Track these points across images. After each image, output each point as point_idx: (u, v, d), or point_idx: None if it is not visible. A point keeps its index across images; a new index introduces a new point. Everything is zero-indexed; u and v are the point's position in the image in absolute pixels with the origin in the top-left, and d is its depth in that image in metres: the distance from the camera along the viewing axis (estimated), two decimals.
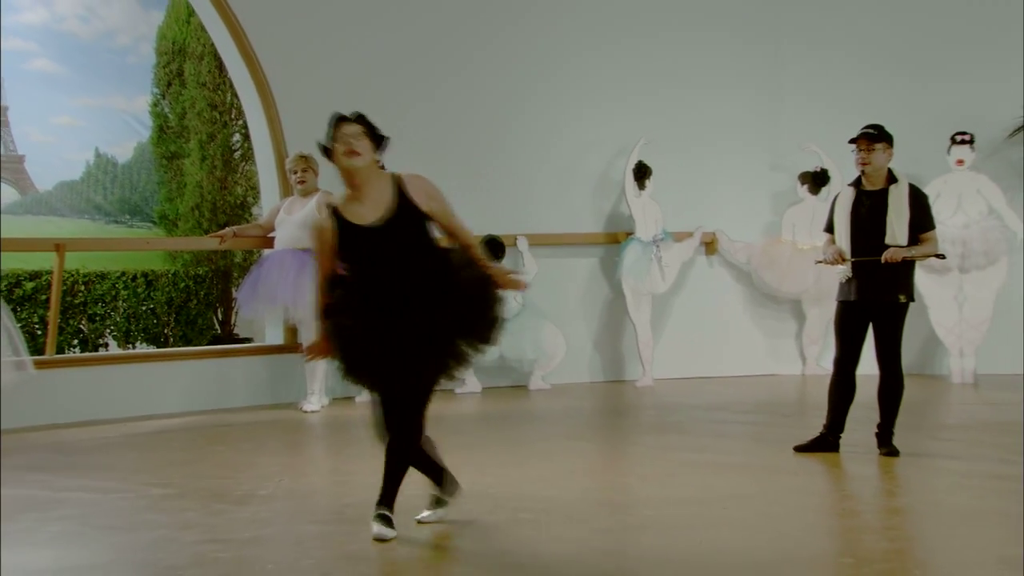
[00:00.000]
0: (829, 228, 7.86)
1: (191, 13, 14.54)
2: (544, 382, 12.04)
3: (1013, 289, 11.94)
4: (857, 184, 7.74)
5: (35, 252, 12.65)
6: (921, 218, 7.57)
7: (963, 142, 11.78)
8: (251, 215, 15.11)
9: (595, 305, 12.66)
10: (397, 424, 5.67)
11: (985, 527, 5.77)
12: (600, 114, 12.49)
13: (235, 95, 12.96)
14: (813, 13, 12.87)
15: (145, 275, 14.54)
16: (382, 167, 5.81)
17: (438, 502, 5.95)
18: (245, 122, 13.37)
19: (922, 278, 10.64)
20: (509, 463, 7.81)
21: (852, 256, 7.57)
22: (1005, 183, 12.00)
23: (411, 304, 5.45)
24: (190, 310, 15.02)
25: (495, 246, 11.90)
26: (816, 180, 12.49)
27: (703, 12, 12.78)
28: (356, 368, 5.61)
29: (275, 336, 11.39)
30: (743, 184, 12.85)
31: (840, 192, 7.89)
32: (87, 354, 13.15)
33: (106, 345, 14.11)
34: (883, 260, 7.43)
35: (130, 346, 14.18)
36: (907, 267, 7.56)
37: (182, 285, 14.83)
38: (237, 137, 15.63)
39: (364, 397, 11.23)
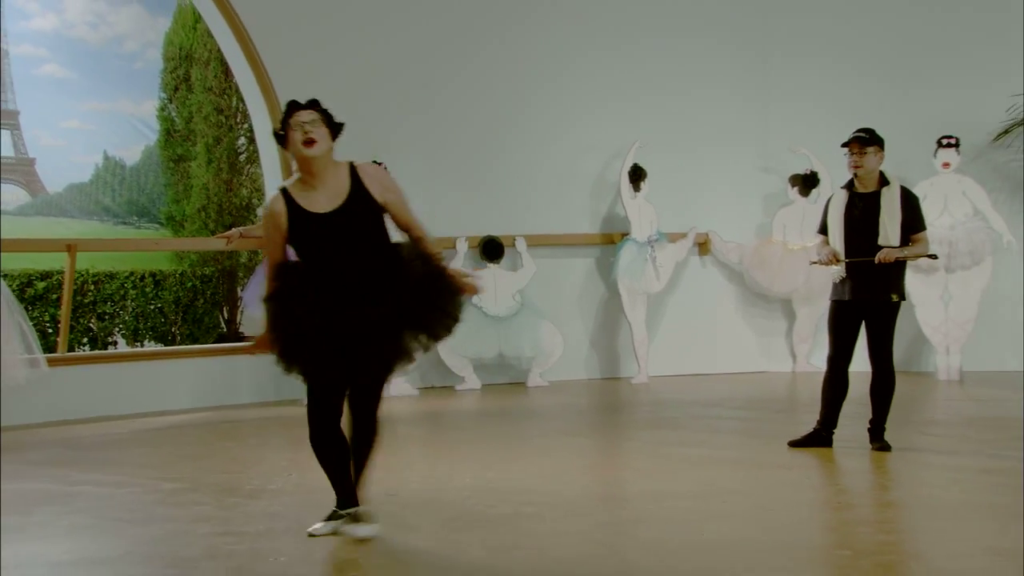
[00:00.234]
0: (823, 230, 7.83)
1: (197, 19, 14.55)
2: (542, 379, 12.03)
3: (997, 288, 11.94)
4: (850, 187, 7.72)
5: (47, 252, 12.66)
6: (912, 219, 7.57)
7: (949, 146, 11.78)
8: (256, 216, 15.09)
9: (592, 304, 12.66)
10: (360, 415, 5.54)
11: (976, 520, 5.77)
12: (596, 118, 12.48)
13: (240, 99, 12.95)
14: (802, 20, 12.86)
15: (153, 275, 14.54)
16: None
17: (335, 515, 5.51)
18: (250, 125, 13.37)
19: (909, 278, 10.51)
20: (510, 458, 7.80)
21: (846, 257, 7.55)
22: (990, 185, 12.03)
23: (364, 293, 5.24)
24: (197, 309, 15.02)
25: (494, 247, 11.92)
26: (806, 182, 12.49)
27: (696, 20, 12.78)
28: (303, 357, 5.29)
29: None
30: (735, 186, 12.85)
31: (833, 194, 7.87)
32: (97, 352, 13.12)
33: (115, 343, 14.10)
34: (876, 261, 7.42)
35: (138, 344, 14.17)
36: (899, 267, 7.56)
37: (189, 285, 14.82)
38: (242, 140, 15.65)
39: None
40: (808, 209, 12.43)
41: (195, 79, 15.66)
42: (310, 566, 5.05)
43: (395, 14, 11.89)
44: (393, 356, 5.38)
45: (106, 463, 7.94)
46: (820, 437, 7.77)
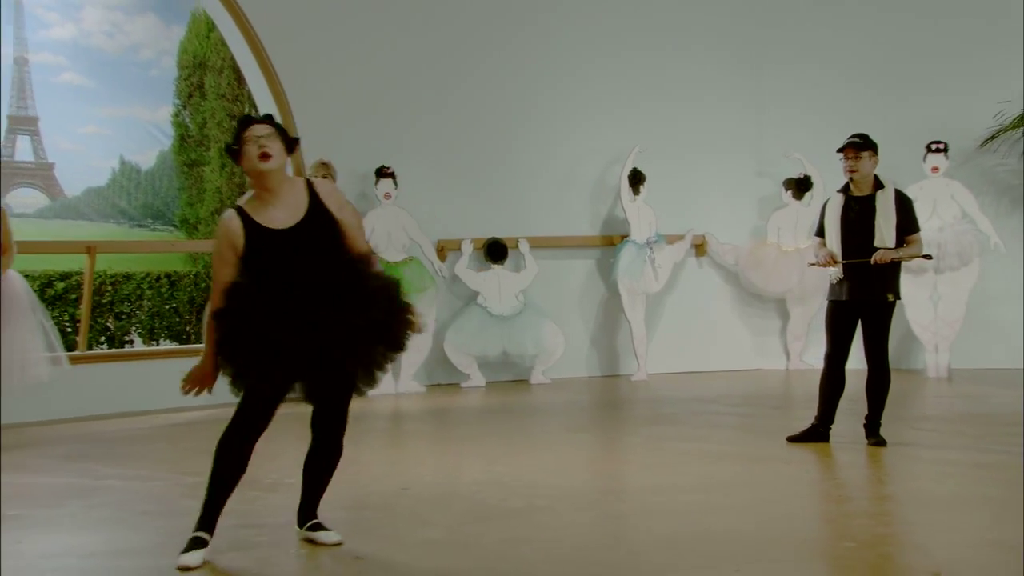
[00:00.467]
0: (820, 232, 7.83)
1: (211, 28, 14.55)
2: (545, 377, 12.05)
3: (984, 289, 11.97)
4: (846, 190, 7.72)
5: (67, 254, 12.65)
6: (907, 221, 7.58)
7: (938, 151, 11.81)
8: None
9: (592, 304, 12.69)
10: (326, 438, 5.29)
11: (972, 512, 5.77)
12: (596, 124, 12.51)
13: (253, 106, 12.91)
14: (795, 31, 12.89)
15: (168, 276, 14.52)
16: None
17: (199, 541, 4.98)
18: None
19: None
20: (518, 453, 7.80)
21: (843, 258, 7.57)
22: (977, 189, 12.06)
23: (327, 309, 4.92)
24: None
25: (498, 248, 11.93)
26: (799, 186, 12.52)
27: (693, 30, 12.82)
28: (259, 364, 4.90)
29: None
30: (731, 190, 12.89)
31: (830, 198, 7.86)
32: (115, 350, 13.12)
33: (131, 342, 14.08)
34: (873, 262, 7.43)
35: (154, 343, 14.15)
36: (894, 268, 7.57)
37: (203, 285, 14.78)
38: None
39: (377, 390, 11.26)
40: (801, 212, 12.47)
41: (208, 86, 15.68)
42: (331, 556, 5.05)
43: (403, 24, 11.91)
44: (365, 369, 5.10)
45: (128, 457, 7.95)
46: (818, 432, 7.78)
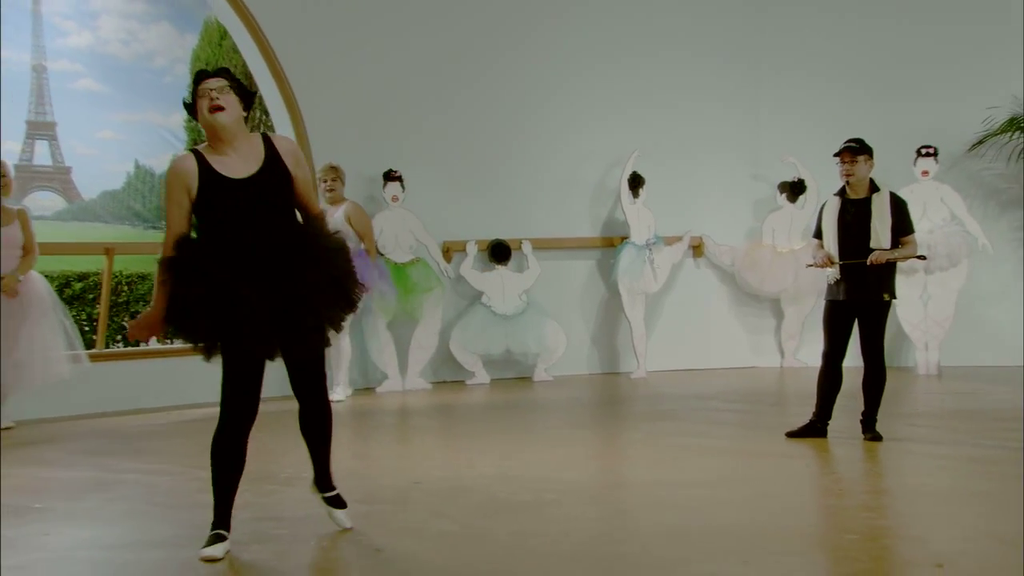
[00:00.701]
0: (817, 234, 7.82)
1: (223, 36, 14.54)
2: (547, 374, 12.04)
3: (973, 288, 11.97)
4: (842, 193, 7.71)
5: (86, 255, 12.64)
6: (902, 223, 7.57)
7: (928, 155, 11.80)
8: None
9: (593, 303, 12.67)
10: (307, 399, 5.08)
11: (969, 505, 5.76)
12: (597, 129, 12.50)
13: (264, 111, 12.89)
14: (791, 38, 12.89)
15: None
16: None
17: (219, 536, 4.90)
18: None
19: None
20: (524, 448, 7.78)
21: (840, 259, 7.56)
22: (965, 192, 12.05)
23: (280, 263, 4.72)
24: None
25: (502, 249, 11.92)
26: (794, 189, 12.51)
27: (691, 38, 12.81)
28: (219, 327, 4.66)
29: None
30: (727, 193, 12.88)
31: (827, 201, 7.84)
32: (132, 348, 13.08)
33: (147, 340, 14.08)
34: (869, 262, 7.43)
35: (168, 342, 14.11)
36: (890, 268, 7.57)
37: None
38: None
39: (385, 387, 11.28)
40: (796, 214, 12.46)
41: None
42: (351, 548, 5.03)
43: (410, 32, 11.91)
44: (326, 323, 4.89)
45: (146, 452, 7.94)
46: (816, 428, 7.77)
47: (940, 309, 11.90)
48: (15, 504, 6.10)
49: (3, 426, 8.98)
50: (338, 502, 5.32)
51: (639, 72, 12.64)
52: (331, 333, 4.97)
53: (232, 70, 5.12)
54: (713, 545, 4.92)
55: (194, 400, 9.99)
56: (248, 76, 11.85)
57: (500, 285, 11.90)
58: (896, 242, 7.54)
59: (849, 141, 7.65)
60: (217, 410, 4.91)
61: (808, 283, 12.12)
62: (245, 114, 4.93)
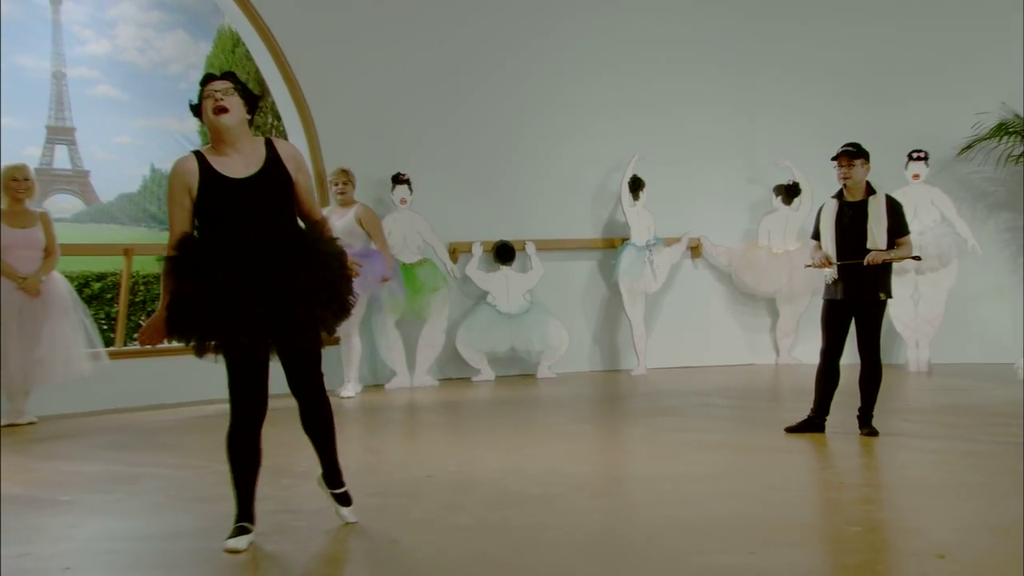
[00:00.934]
0: (815, 236, 7.82)
1: (236, 44, 14.53)
2: (550, 371, 12.03)
3: (962, 288, 11.97)
4: (839, 196, 7.72)
5: (106, 256, 12.63)
6: (897, 225, 7.58)
7: (918, 158, 11.79)
8: None
9: (594, 303, 12.67)
10: (306, 397, 5.01)
11: (965, 498, 5.76)
12: (599, 133, 12.50)
13: (276, 116, 12.91)
14: (786, 45, 12.87)
15: None
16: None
17: (242, 529, 4.91)
18: (286, 139, 13.32)
19: None
20: (531, 443, 7.76)
21: (837, 260, 7.56)
22: (955, 195, 12.04)
23: (279, 263, 4.69)
24: None
25: (506, 250, 11.92)
26: (788, 192, 12.50)
27: (689, 43, 12.80)
28: (218, 328, 4.63)
29: None
30: (724, 195, 12.88)
31: (824, 203, 7.84)
32: (149, 346, 13.08)
33: None
34: (866, 263, 7.43)
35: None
36: (886, 269, 7.57)
37: None
38: None
39: (393, 384, 11.28)
40: (790, 216, 12.46)
41: None
42: (368, 540, 5.03)
43: (417, 40, 11.90)
44: (319, 322, 4.83)
45: (166, 447, 7.93)
46: (814, 423, 7.76)
47: (930, 308, 11.90)
48: (42, 497, 6.12)
49: (26, 421, 9.00)
50: (345, 499, 5.29)
51: (639, 79, 12.64)
52: (338, 332, 4.95)
53: (244, 76, 5.12)
54: (719, 536, 4.92)
55: (209, 396, 9.99)
56: (261, 82, 11.87)
57: (505, 285, 11.90)
58: (892, 243, 7.55)
59: (846, 146, 7.66)
60: (228, 406, 4.89)
61: (802, 283, 12.14)
62: (249, 117, 4.92)
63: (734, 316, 12.99)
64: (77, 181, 17.22)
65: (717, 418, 9.04)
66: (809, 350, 12.00)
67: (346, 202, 10.45)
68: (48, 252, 9.12)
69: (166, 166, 16.80)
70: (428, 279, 11.25)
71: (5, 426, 8.84)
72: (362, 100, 11.62)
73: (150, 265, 14.02)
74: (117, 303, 11.09)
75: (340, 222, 10.16)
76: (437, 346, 11.58)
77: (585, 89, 12.53)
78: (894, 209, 7.61)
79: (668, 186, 12.46)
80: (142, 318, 13.84)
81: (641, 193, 12.18)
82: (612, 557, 4.65)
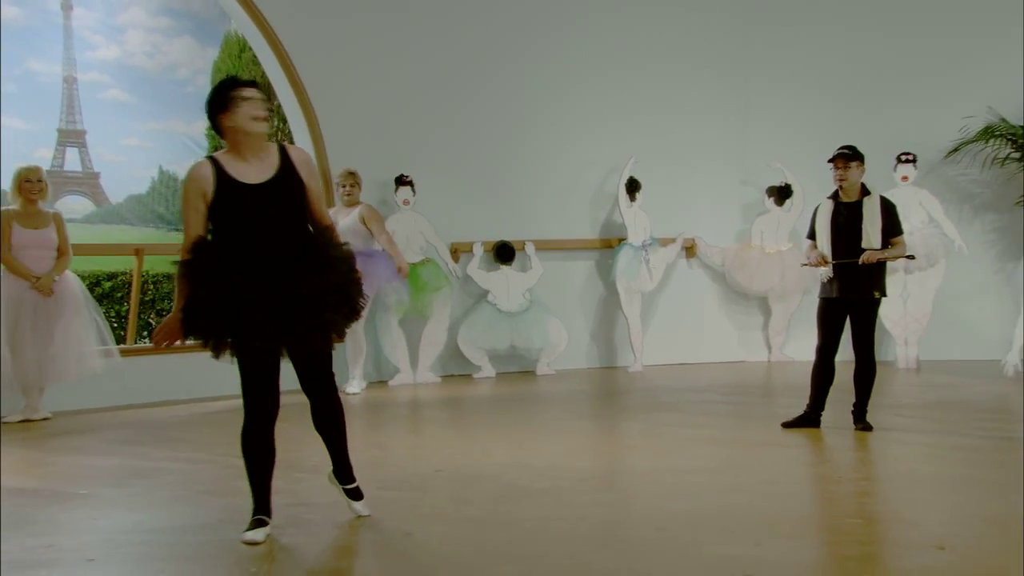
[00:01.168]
0: (811, 235, 7.82)
1: (242, 49, 14.52)
2: (549, 368, 12.02)
3: (949, 287, 11.98)
4: (835, 197, 7.72)
5: (114, 256, 12.60)
6: (891, 225, 7.60)
7: (907, 161, 11.81)
8: None
9: (592, 301, 12.65)
10: (317, 397, 5.04)
11: (959, 491, 5.78)
12: (596, 137, 12.48)
13: (282, 119, 12.88)
14: (778, 51, 12.87)
15: None
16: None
17: (260, 522, 4.92)
18: (291, 143, 13.31)
19: None
20: (534, 438, 7.76)
21: (833, 259, 7.57)
22: (942, 196, 12.06)
23: (291, 267, 4.69)
24: None
25: (506, 250, 11.91)
26: (781, 193, 12.50)
27: (684, 50, 12.79)
28: (232, 329, 4.62)
29: None
30: (718, 197, 12.87)
31: (820, 204, 7.85)
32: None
33: None
34: (860, 262, 7.44)
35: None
36: (880, 268, 7.58)
37: None
38: None
39: (397, 381, 11.26)
40: (782, 217, 12.46)
41: None
42: (382, 532, 5.02)
43: (421, 45, 11.87)
44: (329, 325, 4.81)
45: (179, 442, 7.91)
46: (810, 419, 7.77)
47: (919, 306, 11.92)
48: (61, 490, 6.12)
49: (40, 417, 8.98)
50: (356, 494, 5.29)
51: (636, 84, 12.63)
52: (336, 335, 4.93)
53: (254, 76, 5.12)
54: (724, 528, 4.92)
55: (217, 393, 9.97)
56: (268, 86, 11.84)
57: (505, 284, 11.89)
58: (886, 243, 7.57)
59: (842, 148, 7.67)
60: (238, 402, 4.89)
61: (794, 282, 12.15)
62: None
63: (727, 314, 12.98)
64: (87, 183, 17.20)
65: (714, 413, 9.03)
66: (800, 347, 12.05)
67: (352, 203, 10.44)
68: (61, 252, 9.10)
69: (174, 168, 16.82)
70: (431, 278, 11.24)
71: (20, 422, 8.83)
72: (366, 104, 11.60)
73: (159, 265, 14.01)
74: (126, 302, 11.07)
75: (343, 222, 10.14)
76: (439, 344, 11.57)
77: (583, 94, 12.52)
78: (888, 210, 7.63)
79: (664, 188, 12.46)
80: (151, 316, 13.83)
81: (637, 195, 12.17)
82: (622, 548, 4.65)
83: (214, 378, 10.03)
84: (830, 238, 7.62)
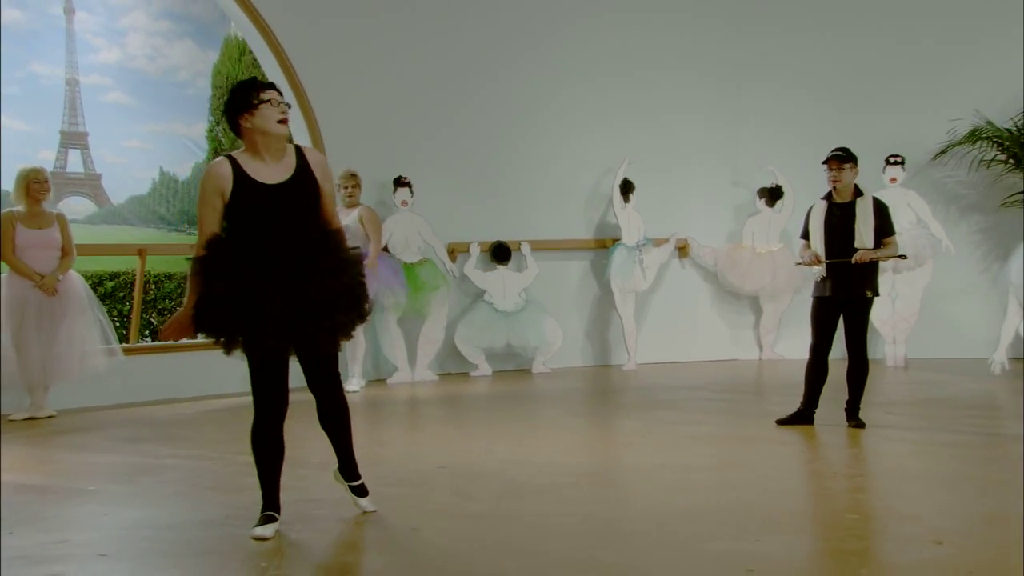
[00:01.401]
0: (805, 235, 7.82)
1: (242, 52, 14.49)
2: (545, 366, 12.02)
3: (937, 287, 12.00)
4: (828, 198, 7.73)
5: (116, 256, 12.57)
6: (884, 225, 7.60)
7: (895, 163, 11.83)
8: None
9: (587, 301, 12.65)
10: (324, 396, 5.02)
11: (952, 486, 5.79)
12: (591, 139, 12.48)
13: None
14: (769, 55, 12.88)
15: None
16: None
17: (269, 517, 4.92)
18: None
19: None
20: (533, 435, 7.74)
21: (826, 259, 7.57)
22: (929, 198, 12.08)
23: (304, 268, 4.68)
24: None
25: (503, 250, 11.90)
26: (772, 195, 12.52)
27: (677, 53, 12.79)
28: (243, 324, 4.60)
29: None
30: (710, 198, 12.89)
31: (814, 204, 7.84)
32: (160, 343, 13.04)
33: None
34: (853, 261, 7.45)
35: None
36: (873, 267, 7.59)
37: None
38: None
39: (395, 379, 11.25)
40: (773, 218, 12.47)
41: None
42: (388, 528, 5.00)
43: (419, 48, 11.86)
44: (339, 327, 4.81)
45: (183, 439, 7.87)
46: (804, 416, 7.77)
47: (907, 306, 11.93)
48: (68, 487, 6.10)
49: (45, 414, 8.95)
50: (362, 491, 5.27)
51: (630, 87, 12.63)
52: (344, 336, 4.93)
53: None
54: (724, 524, 4.91)
55: (220, 391, 9.96)
56: None
57: (501, 284, 11.88)
58: (878, 243, 7.57)
59: (836, 150, 7.68)
60: (243, 400, 4.89)
61: (785, 281, 12.18)
62: None
63: (719, 313, 12.99)
64: (89, 184, 17.14)
65: (708, 411, 9.02)
66: (791, 346, 12.06)
67: (352, 204, 10.42)
68: (65, 252, 9.07)
69: (175, 169, 16.79)
70: (428, 278, 11.23)
71: (25, 419, 8.80)
72: (365, 105, 11.58)
73: (160, 265, 13.98)
74: (129, 301, 11.03)
75: (344, 222, 10.09)
76: (437, 342, 11.56)
77: (578, 96, 12.52)
78: (881, 210, 7.63)
79: (657, 189, 12.47)
80: (153, 316, 13.80)
81: (631, 195, 12.17)
82: (624, 544, 4.64)
83: (217, 377, 10.16)
84: (824, 238, 7.62)
